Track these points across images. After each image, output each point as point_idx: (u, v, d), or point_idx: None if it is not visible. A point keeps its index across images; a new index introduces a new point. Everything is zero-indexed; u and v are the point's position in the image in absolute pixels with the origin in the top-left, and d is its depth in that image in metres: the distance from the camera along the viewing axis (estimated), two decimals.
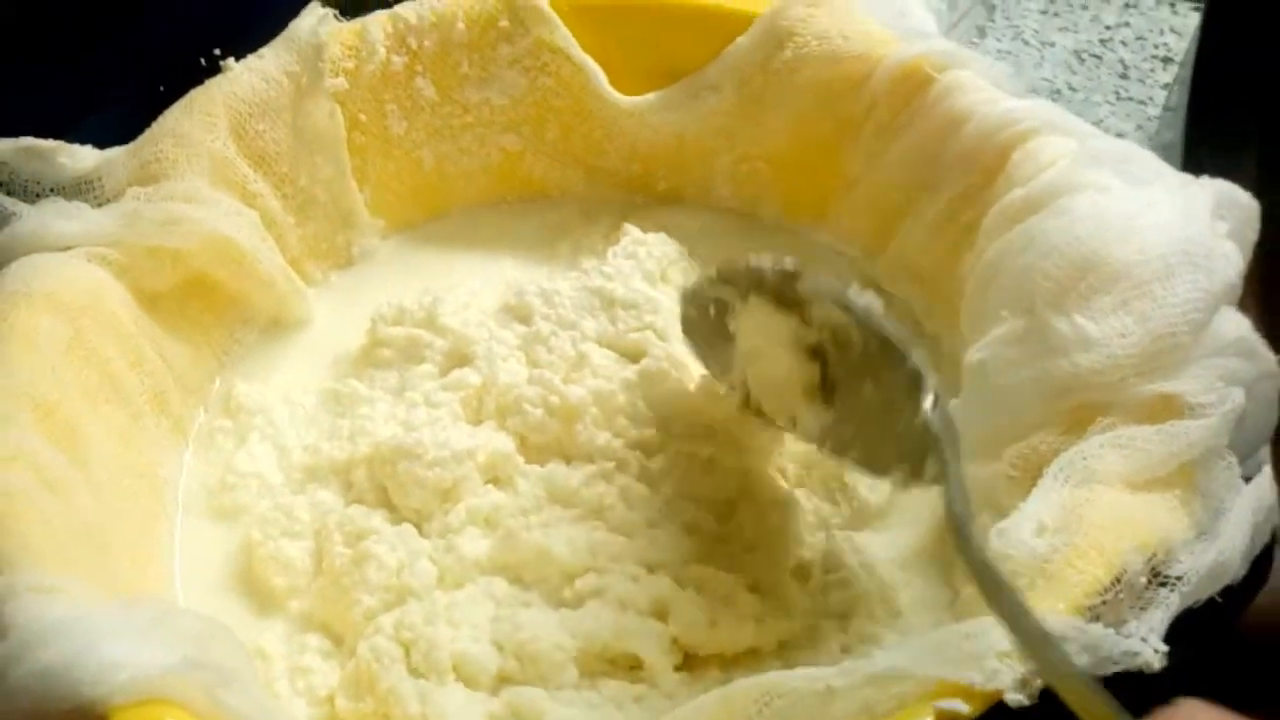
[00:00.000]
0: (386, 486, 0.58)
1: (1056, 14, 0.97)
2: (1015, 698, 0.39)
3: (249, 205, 0.63)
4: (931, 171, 0.61)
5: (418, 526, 0.56)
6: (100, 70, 0.66)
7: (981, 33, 0.95)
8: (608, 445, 0.58)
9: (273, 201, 0.65)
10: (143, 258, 0.59)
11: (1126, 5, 0.98)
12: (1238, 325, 0.49)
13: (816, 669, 0.42)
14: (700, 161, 0.71)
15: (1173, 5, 0.98)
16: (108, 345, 0.56)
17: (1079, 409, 0.49)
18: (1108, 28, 0.96)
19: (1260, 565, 0.48)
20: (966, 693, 0.39)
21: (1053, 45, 0.94)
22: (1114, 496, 0.45)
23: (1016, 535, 0.44)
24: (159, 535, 0.58)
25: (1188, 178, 0.52)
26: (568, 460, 0.59)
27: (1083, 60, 0.93)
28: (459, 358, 0.63)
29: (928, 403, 0.48)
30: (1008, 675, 0.39)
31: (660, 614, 0.53)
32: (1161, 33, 0.95)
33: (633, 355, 0.62)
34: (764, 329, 0.54)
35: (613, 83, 0.69)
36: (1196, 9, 0.95)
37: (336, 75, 0.66)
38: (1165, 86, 0.90)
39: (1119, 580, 0.42)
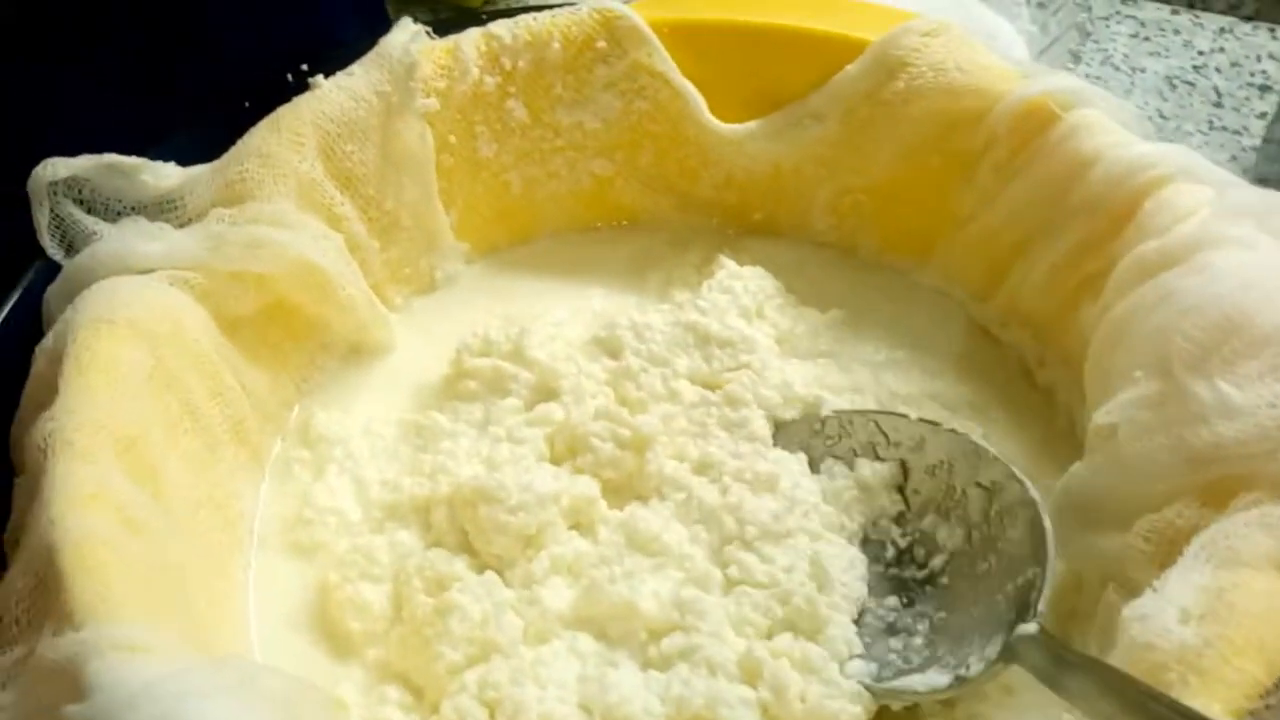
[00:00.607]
0: (468, 530, 0.55)
1: (1147, 38, 0.94)
2: None
3: (334, 228, 0.61)
4: (1052, 215, 0.58)
5: (500, 574, 0.54)
6: (182, 89, 0.64)
7: (1076, 58, 0.92)
8: (675, 474, 0.56)
9: (358, 225, 0.63)
10: (225, 282, 0.57)
11: (1221, 30, 0.94)
12: None
13: None
14: (798, 192, 0.68)
15: (1272, 30, 0.94)
16: (188, 373, 0.54)
17: (1221, 481, 0.46)
18: (1201, 53, 0.92)
19: None
20: None
21: (1143, 71, 0.91)
22: (1266, 584, 0.42)
23: (1160, 623, 0.41)
24: (234, 570, 0.56)
25: None
26: (645, 500, 0.57)
27: (1174, 87, 0.90)
28: (545, 392, 0.61)
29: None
30: None
31: (751, 681, 0.50)
32: (1259, 59, 0.91)
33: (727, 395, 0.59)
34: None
35: (711, 109, 0.66)
36: None
37: (428, 95, 0.63)
38: (1261, 116, 0.87)
39: None
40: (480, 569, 0.54)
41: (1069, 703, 0.43)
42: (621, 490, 0.58)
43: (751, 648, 0.51)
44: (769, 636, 0.52)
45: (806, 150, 0.66)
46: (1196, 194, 0.52)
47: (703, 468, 0.58)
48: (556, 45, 0.65)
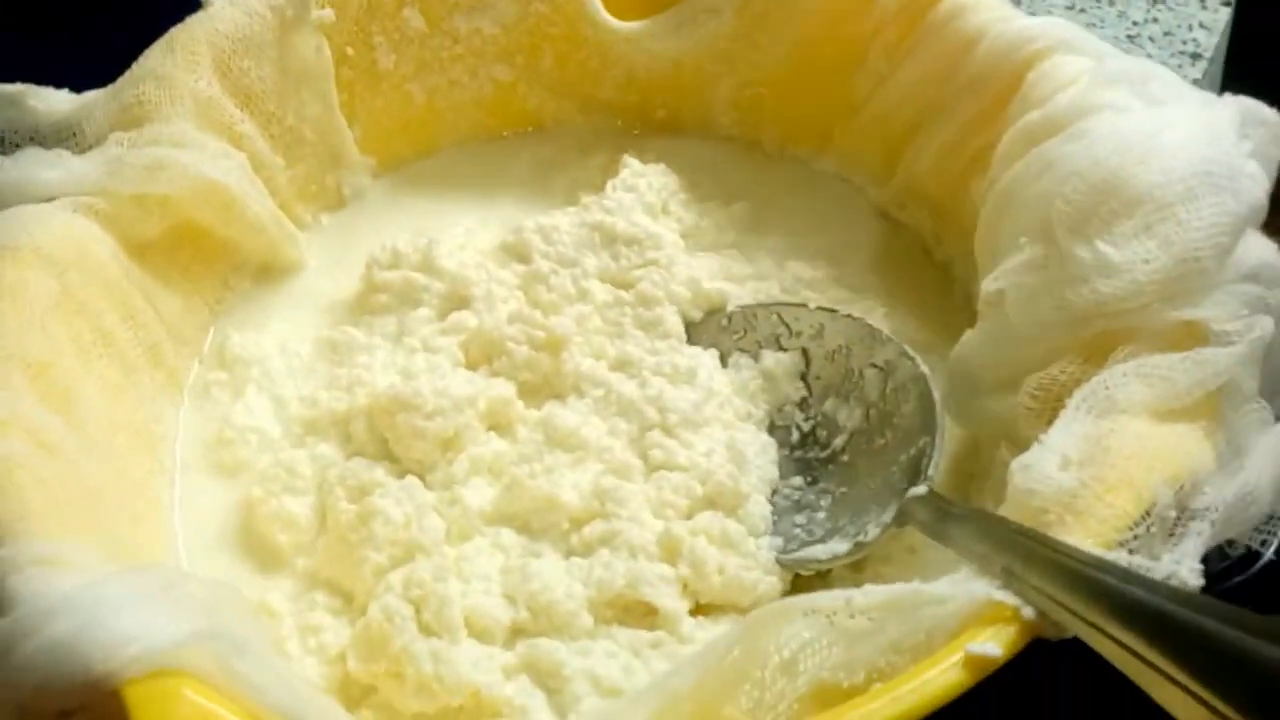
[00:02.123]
0: (387, 438, 0.56)
1: (1083, 10, 0.94)
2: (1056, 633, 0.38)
3: (236, 147, 0.61)
4: (942, 94, 0.59)
5: (421, 478, 0.55)
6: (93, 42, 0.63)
7: None
8: (592, 371, 0.58)
9: (261, 143, 0.63)
10: (129, 206, 0.56)
11: (1154, 1, 0.95)
12: (1264, 249, 0.48)
13: (839, 590, 0.41)
14: (699, 89, 0.68)
15: (1202, 1, 0.94)
16: (98, 298, 0.55)
17: (1100, 337, 0.47)
18: (1135, 24, 0.92)
19: None
20: (1006, 616, 0.38)
21: None
22: (1139, 427, 0.44)
23: (1041, 470, 0.43)
24: (158, 493, 0.56)
25: (1210, 96, 0.51)
26: (562, 399, 0.58)
27: None
28: (457, 300, 0.61)
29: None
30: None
31: (670, 559, 0.52)
32: (1190, 28, 0.92)
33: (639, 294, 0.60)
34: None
35: (609, 7, 0.66)
36: (1226, 4, 0.92)
37: (323, 6, 0.63)
38: (1194, 83, 0.87)
39: (1149, 514, 0.41)
40: (401, 475, 0.55)
41: (954, 551, 0.45)
42: (539, 391, 0.59)
43: (670, 527, 0.52)
44: (689, 517, 0.53)
45: (705, 45, 0.66)
46: (1076, 64, 0.53)
47: (621, 364, 0.59)
48: None
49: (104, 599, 0.40)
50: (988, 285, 0.51)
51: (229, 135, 0.61)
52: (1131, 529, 0.40)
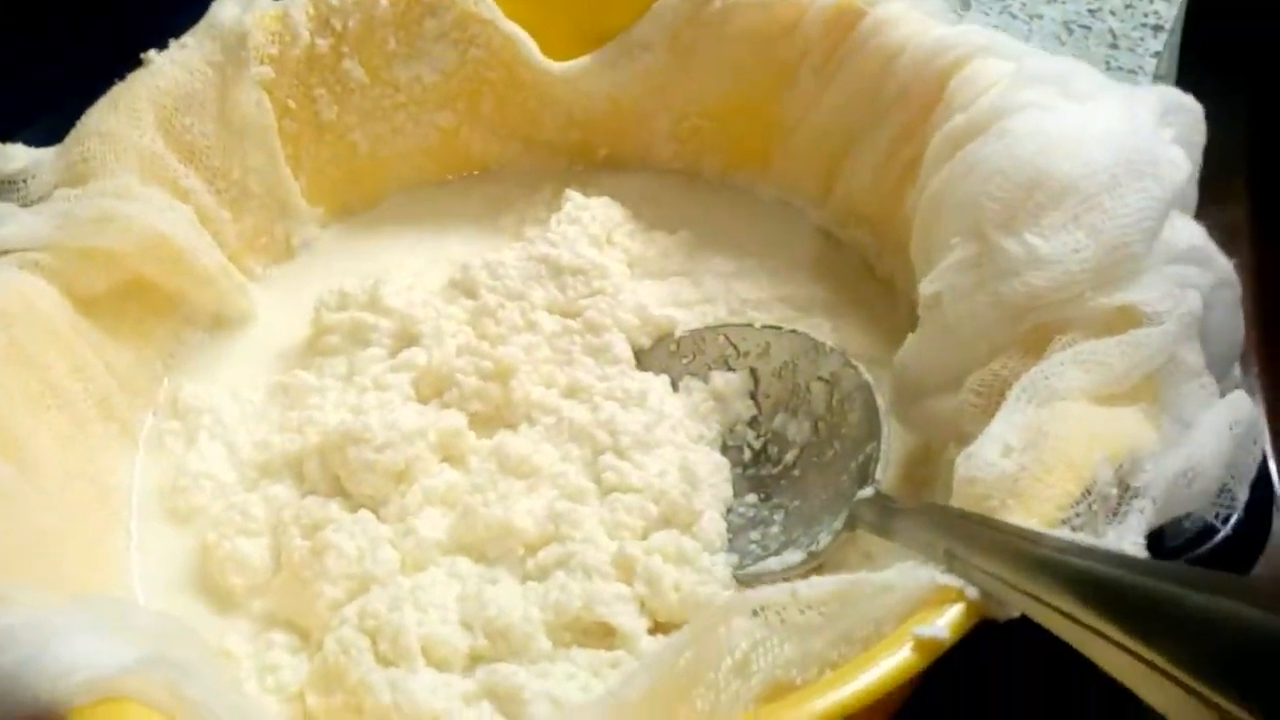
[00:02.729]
0: (339, 474, 0.56)
1: None
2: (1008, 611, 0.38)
3: (182, 201, 0.62)
4: (870, 110, 0.60)
5: (374, 512, 0.55)
6: (49, 74, 0.63)
7: (965, 4, 0.94)
8: (542, 399, 0.58)
9: (206, 197, 0.63)
10: (75, 260, 0.57)
11: None
12: (1191, 233, 0.48)
13: (783, 584, 0.41)
14: (638, 124, 0.70)
15: None
16: (46, 352, 0.55)
17: (1037, 329, 0.48)
18: None
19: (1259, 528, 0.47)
20: (952, 597, 0.39)
21: (1040, 18, 0.93)
22: (1079, 411, 0.44)
23: (983, 458, 0.43)
24: (114, 542, 0.56)
25: (1130, 88, 0.52)
26: (514, 427, 0.58)
27: (1071, 31, 0.92)
28: (407, 338, 0.62)
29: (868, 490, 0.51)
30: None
31: (626, 578, 0.52)
32: (1150, 0, 0.94)
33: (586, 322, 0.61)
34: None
35: (544, 49, 0.68)
36: None
37: (262, 63, 0.64)
38: (1155, 55, 0.89)
39: (1089, 492, 0.41)
40: (354, 509, 0.55)
41: (901, 545, 0.45)
42: (490, 421, 0.59)
43: (624, 547, 0.52)
44: (644, 537, 0.54)
45: (640, 81, 0.68)
46: (997, 68, 0.54)
47: (571, 391, 0.59)
48: (384, 2, 0.66)
49: (50, 628, 0.40)
50: (924, 288, 0.52)
51: (174, 190, 0.62)
52: (1073, 507, 0.41)
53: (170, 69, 0.62)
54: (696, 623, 0.42)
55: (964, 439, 0.49)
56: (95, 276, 0.58)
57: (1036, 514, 0.41)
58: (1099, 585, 0.35)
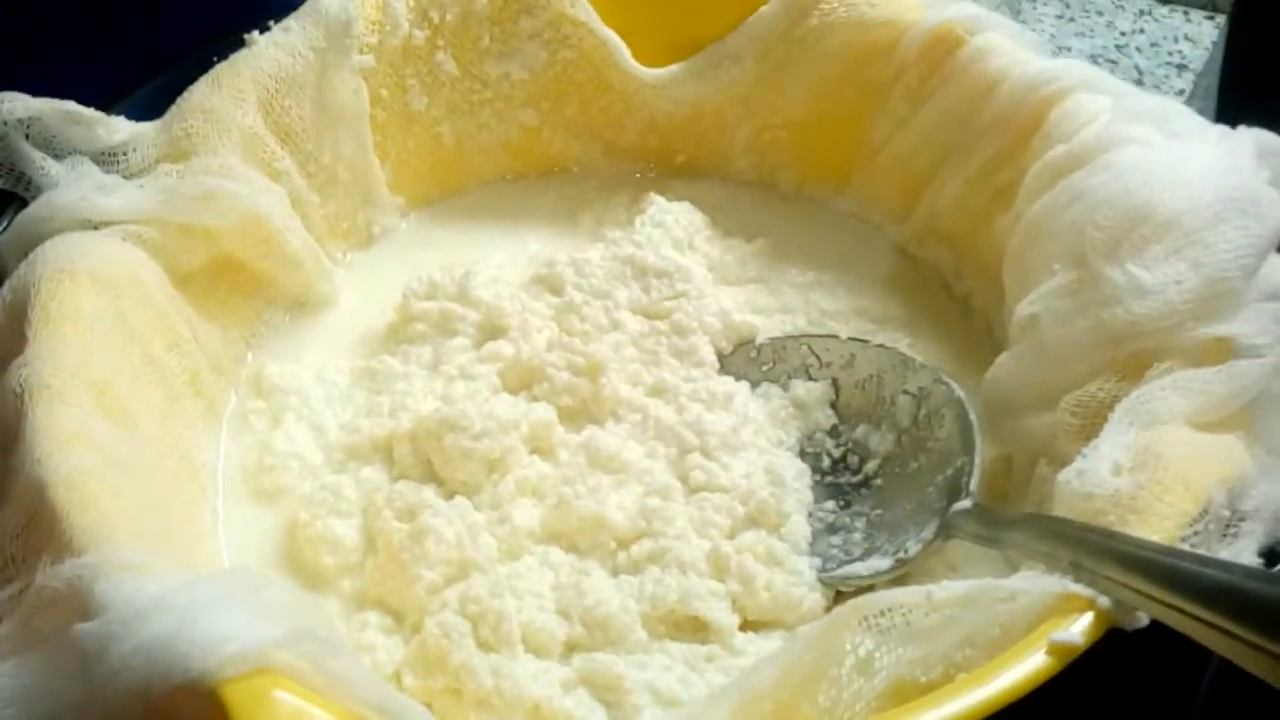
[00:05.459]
0: (433, 460, 0.57)
1: (1073, 19, 0.99)
2: (1136, 619, 0.40)
3: (276, 183, 0.62)
4: (963, 134, 0.62)
5: (468, 499, 0.56)
6: (118, 62, 0.64)
7: None
8: (630, 397, 0.59)
9: (298, 180, 0.64)
10: (176, 235, 0.58)
11: (1141, 12, 0.99)
12: None
13: (916, 586, 0.42)
14: (718, 133, 0.71)
15: (1186, 13, 0.99)
16: (147, 325, 0.55)
17: (1136, 356, 0.50)
18: (1123, 34, 0.97)
19: None
20: (1082, 606, 0.40)
21: (1069, 50, 0.96)
22: (1185, 435, 0.46)
23: (1096, 475, 0.45)
24: (202, 518, 0.57)
25: (1226, 129, 0.54)
26: (601, 423, 0.59)
27: (1099, 65, 0.94)
28: (492, 330, 0.63)
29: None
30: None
31: (719, 576, 0.53)
32: (1176, 40, 0.96)
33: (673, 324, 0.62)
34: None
35: (634, 55, 0.69)
36: (1209, 17, 0.97)
37: (362, 52, 0.65)
38: (1180, 93, 0.91)
39: (1206, 512, 0.43)
40: (448, 496, 0.56)
41: (1014, 554, 0.47)
42: (577, 415, 0.60)
43: (717, 545, 0.54)
44: (732, 536, 0.55)
45: (725, 91, 0.69)
46: (1097, 102, 0.56)
47: (657, 391, 0.60)
48: None
49: (196, 600, 0.40)
50: (1022, 310, 0.54)
51: (269, 171, 0.62)
52: (1191, 526, 0.42)
53: (273, 51, 0.62)
54: (823, 619, 0.44)
55: (1057, 456, 0.51)
56: (194, 253, 0.59)
57: (1158, 530, 0.42)
58: (1245, 597, 0.37)
